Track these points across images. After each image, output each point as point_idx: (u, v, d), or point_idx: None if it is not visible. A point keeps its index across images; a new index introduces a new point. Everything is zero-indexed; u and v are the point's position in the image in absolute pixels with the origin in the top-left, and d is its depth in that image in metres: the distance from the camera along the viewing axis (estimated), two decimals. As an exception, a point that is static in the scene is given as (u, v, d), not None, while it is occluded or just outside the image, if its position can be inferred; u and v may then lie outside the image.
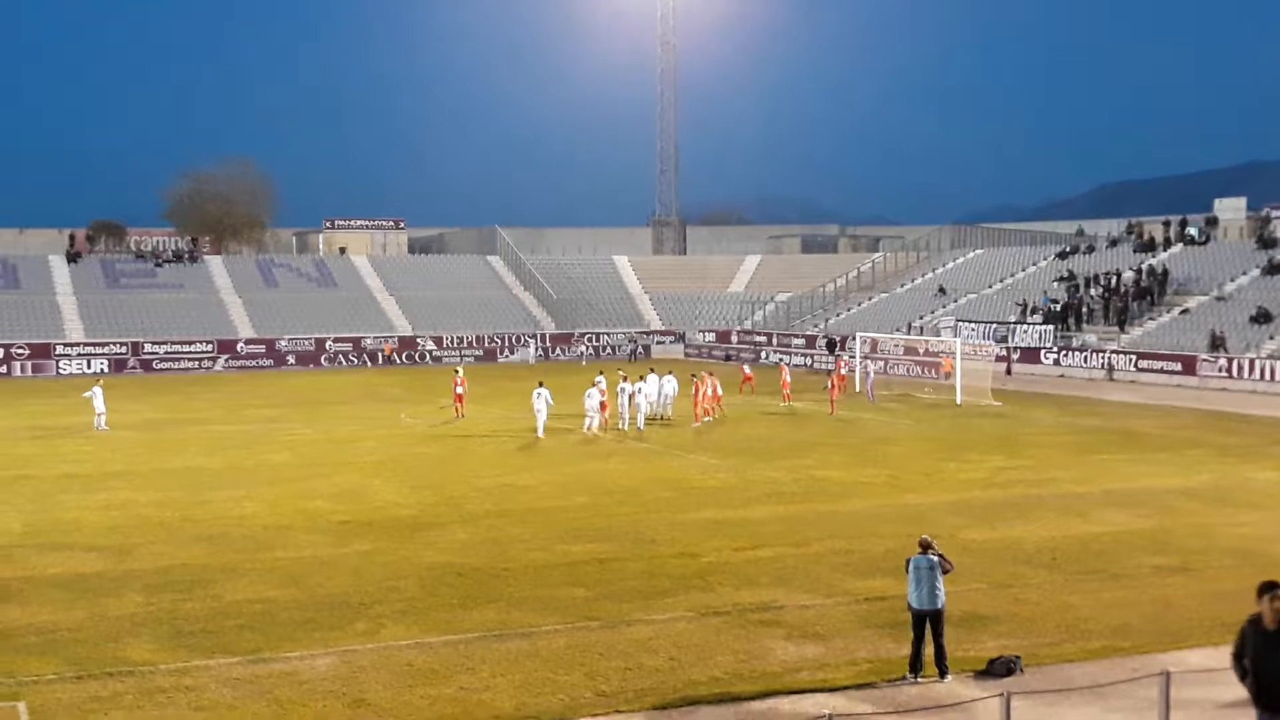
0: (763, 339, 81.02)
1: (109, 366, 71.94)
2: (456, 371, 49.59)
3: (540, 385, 41.13)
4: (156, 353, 74.88)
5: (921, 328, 72.38)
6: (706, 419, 44.19)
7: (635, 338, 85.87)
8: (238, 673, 16.28)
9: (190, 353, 75.65)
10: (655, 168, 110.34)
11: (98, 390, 43.82)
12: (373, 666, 16.48)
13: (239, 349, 76.99)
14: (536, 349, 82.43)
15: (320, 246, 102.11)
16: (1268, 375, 53.77)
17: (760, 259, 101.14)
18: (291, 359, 77.39)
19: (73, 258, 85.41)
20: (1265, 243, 69.14)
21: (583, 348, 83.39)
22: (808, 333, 78.87)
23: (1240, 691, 15.07)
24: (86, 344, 74.42)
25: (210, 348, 76.37)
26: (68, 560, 22.74)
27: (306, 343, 78.34)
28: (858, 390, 53.46)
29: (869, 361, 57.12)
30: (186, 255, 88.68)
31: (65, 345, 74.01)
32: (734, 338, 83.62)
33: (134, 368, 73.26)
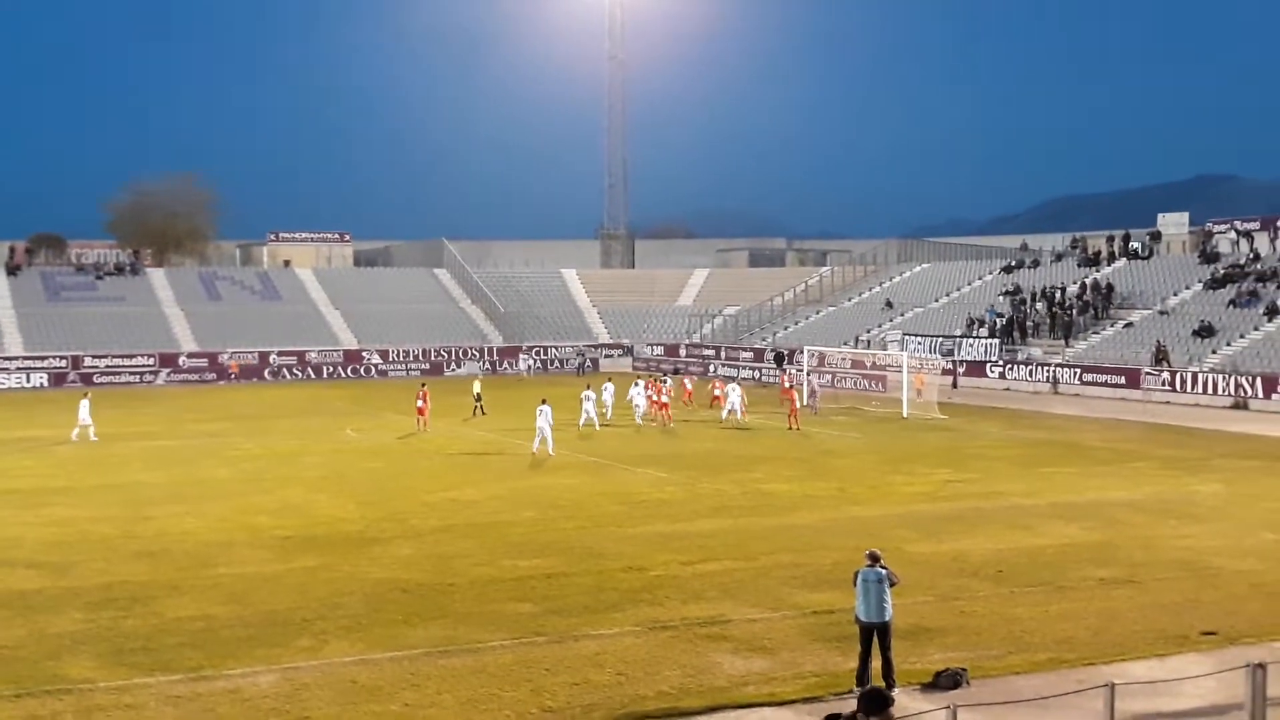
0: (711, 352, 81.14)
1: (49, 380, 71.05)
2: (422, 385, 49.65)
3: (543, 402, 39.77)
4: (97, 366, 73.88)
5: (869, 341, 72.69)
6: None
7: (584, 351, 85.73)
8: (179, 690, 16.04)
9: (132, 366, 74.70)
10: (603, 181, 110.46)
11: (84, 403, 44.12)
12: (316, 684, 16.28)
13: (181, 363, 76.20)
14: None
15: (264, 259, 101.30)
16: (1210, 389, 54.37)
17: (708, 272, 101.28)
18: (234, 372, 76.67)
19: (12, 270, 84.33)
20: (1208, 257, 70.02)
21: (529, 361, 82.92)
22: (756, 346, 79.07)
23: (1188, 702, 15.25)
24: (26, 358, 73.40)
25: (152, 361, 75.52)
26: (7, 577, 22.35)
27: (250, 356, 77.58)
28: (804, 404, 53.58)
29: (813, 375, 57.30)
30: (128, 268, 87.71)
31: (4, 359, 72.93)
32: (682, 351, 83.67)
33: (74, 381, 72.08)
